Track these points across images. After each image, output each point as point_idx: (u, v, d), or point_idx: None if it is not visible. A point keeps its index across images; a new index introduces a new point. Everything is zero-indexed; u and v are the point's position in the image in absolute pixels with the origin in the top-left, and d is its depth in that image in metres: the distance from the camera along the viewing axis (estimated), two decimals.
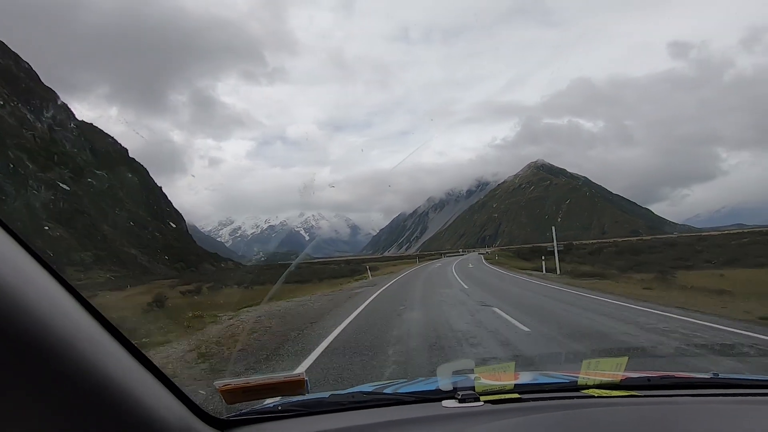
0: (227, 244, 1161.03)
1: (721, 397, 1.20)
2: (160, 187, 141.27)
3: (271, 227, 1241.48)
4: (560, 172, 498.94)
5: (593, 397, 1.17)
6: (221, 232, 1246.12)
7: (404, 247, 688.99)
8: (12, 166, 69.88)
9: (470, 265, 36.50)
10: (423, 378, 1.43)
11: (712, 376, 1.34)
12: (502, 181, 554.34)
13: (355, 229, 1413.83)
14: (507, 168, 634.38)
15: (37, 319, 0.56)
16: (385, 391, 1.29)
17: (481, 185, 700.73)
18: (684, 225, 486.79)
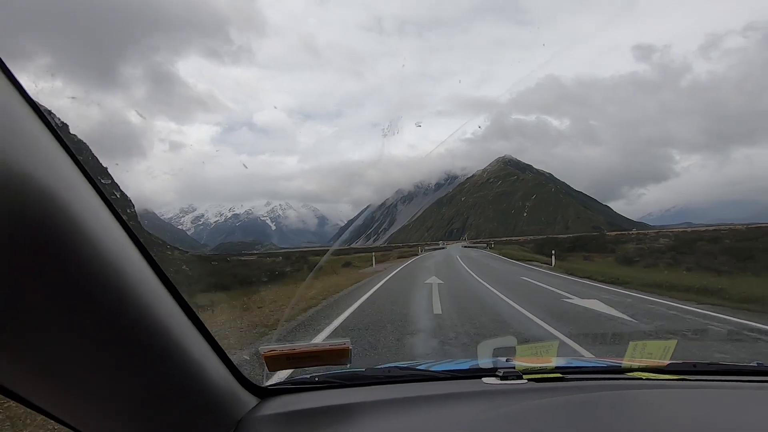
0: (189, 232, 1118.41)
1: (764, 384, 1.17)
2: (106, 168, 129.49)
3: (236, 216, 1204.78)
4: (527, 168, 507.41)
5: (639, 379, 1.16)
6: (183, 219, 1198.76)
7: (372, 239, 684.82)
8: None
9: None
10: (461, 359, 1.40)
11: (757, 364, 1.33)
12: (471, 175, 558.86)
13: (322, 219, 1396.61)
14: (476, 162, 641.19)
15: (108, 268, 0.57)
16: (419, 368, 1.28)
17: (450, 179, 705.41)
18: (639, 222, 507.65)
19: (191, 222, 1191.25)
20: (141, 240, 0.67)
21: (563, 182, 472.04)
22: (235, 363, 0.95)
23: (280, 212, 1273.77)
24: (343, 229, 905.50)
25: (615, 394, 1.06)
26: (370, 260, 24.67)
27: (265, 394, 1.08)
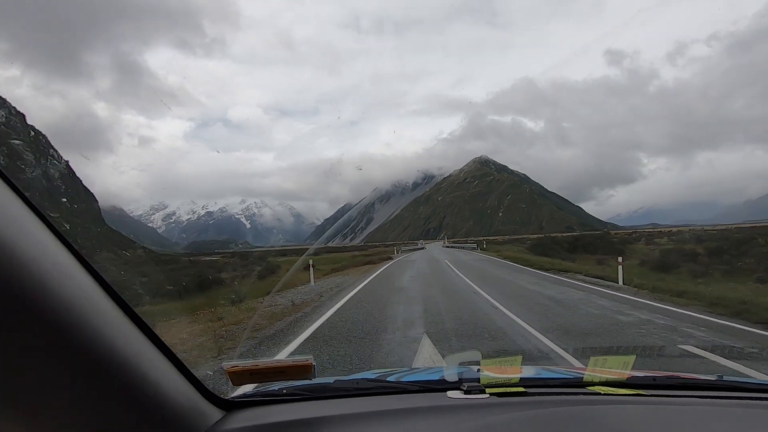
0: (160, 230, 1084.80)
1: (726, 400, 1.18)
2: (67, 162, 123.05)
3: (209, 213, 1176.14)
4: (503, 169, 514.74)
5: (599, 394, 1.17)
6: (153, 217, 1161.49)
7: (349, 238, 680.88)
8: None
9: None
10: (429, 367, 1.27)
11: (717, 378, 1.34)
12: (448, 174, 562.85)
13: (299, 218, 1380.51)
14: (452, 162, 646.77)
15: (52, 293, 0.57)
16: (389, 379, 1.29)
17: (427, 178, 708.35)
18: (609, 223, 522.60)
19: (162, 220, 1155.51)
20: (79, 249, 0.65)
21: (537, 183, 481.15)
22: (198, 376, 0.93)
23: (255, 210, 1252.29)
24: (319, 228, 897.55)
25: (576, 409, 1.08)
26: (324, 266, 19.04)
27: (231, 406, 1.07)
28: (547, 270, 16.72)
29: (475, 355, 1.46)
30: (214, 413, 0.98)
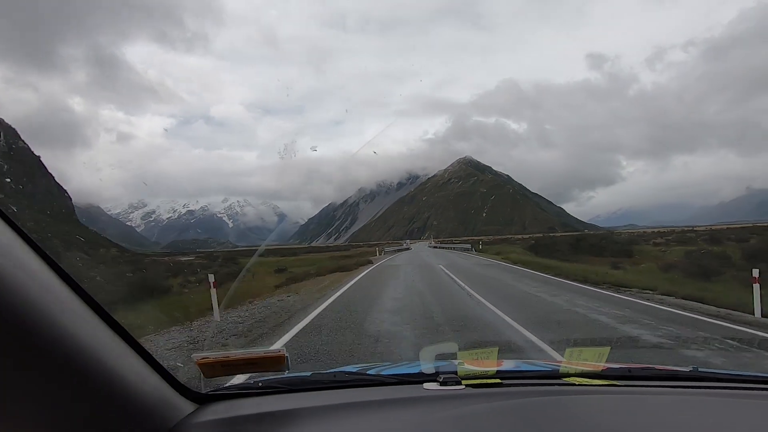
0: (139, 229, 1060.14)
1: (698, 390, 1.21)
2: (38, 158, 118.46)
3: (191, 212, 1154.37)
4: (486, 169, 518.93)
5: (573, 385, 1.19)
6: (132, 215, 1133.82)
7: (333, 237, 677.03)
8: None
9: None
10: (407, 362, 1.45)
11: (692, 369, 1.36)
12: (432, 174, 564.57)
13: (282, 217, 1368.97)
14: (437, 162, 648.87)
15: (15, 288, 0.56)
16: (368, 372, 1.29)
17: (412, 178, 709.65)
18: (590, 224, 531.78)
19: (141, 218, 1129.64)
20: (42, 247, 0.63)
21: (520, 184, 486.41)
22: (169, 368, 0.91)
23: (238, 209, 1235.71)
24: (303, 228, 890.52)
25: (550, 399, 1.09)
26: (277, 276, 14.75)
27: (205, 400, 1.05)
28: (597, 285, 11.62)
29: (451, 347, 1.49)
30: (186, 406, 0.97)
